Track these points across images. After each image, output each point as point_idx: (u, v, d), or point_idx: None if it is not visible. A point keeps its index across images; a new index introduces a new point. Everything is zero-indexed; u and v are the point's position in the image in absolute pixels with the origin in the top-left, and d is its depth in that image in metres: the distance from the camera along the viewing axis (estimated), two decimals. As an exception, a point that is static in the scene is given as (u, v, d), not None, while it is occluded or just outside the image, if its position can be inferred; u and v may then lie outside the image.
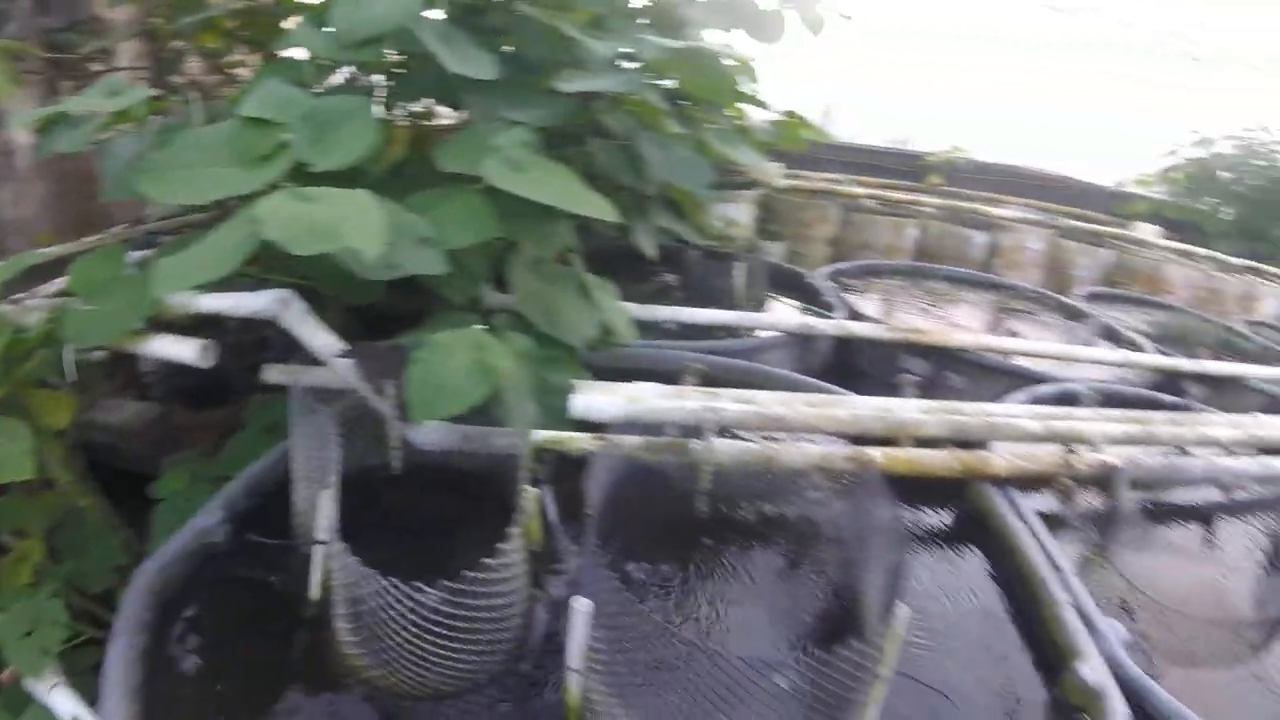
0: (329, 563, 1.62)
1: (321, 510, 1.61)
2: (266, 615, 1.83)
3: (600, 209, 2.14)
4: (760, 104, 3.71)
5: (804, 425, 2.11)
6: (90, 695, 1.67)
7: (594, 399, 2.06)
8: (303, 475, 1.84)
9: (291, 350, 2.36)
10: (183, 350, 2.18)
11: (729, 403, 2.11)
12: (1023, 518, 2.30)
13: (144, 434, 2.98)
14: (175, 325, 2.27)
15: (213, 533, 1.88)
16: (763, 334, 3.29)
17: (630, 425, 2.03)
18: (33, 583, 2.21)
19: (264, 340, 2.82)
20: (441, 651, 1.46)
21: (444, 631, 1.42)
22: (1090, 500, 2.70)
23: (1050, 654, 1.89)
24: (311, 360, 2.14)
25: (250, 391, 2.65)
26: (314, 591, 1.71)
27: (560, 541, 1.93)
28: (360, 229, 1.69)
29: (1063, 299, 5.08)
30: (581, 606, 1.34)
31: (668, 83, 3.37)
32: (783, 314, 3.43)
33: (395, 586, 1.36)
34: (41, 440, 2.19)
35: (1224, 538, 2.75)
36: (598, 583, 1.38)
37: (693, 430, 2.05)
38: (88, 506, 2.43)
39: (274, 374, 2.47)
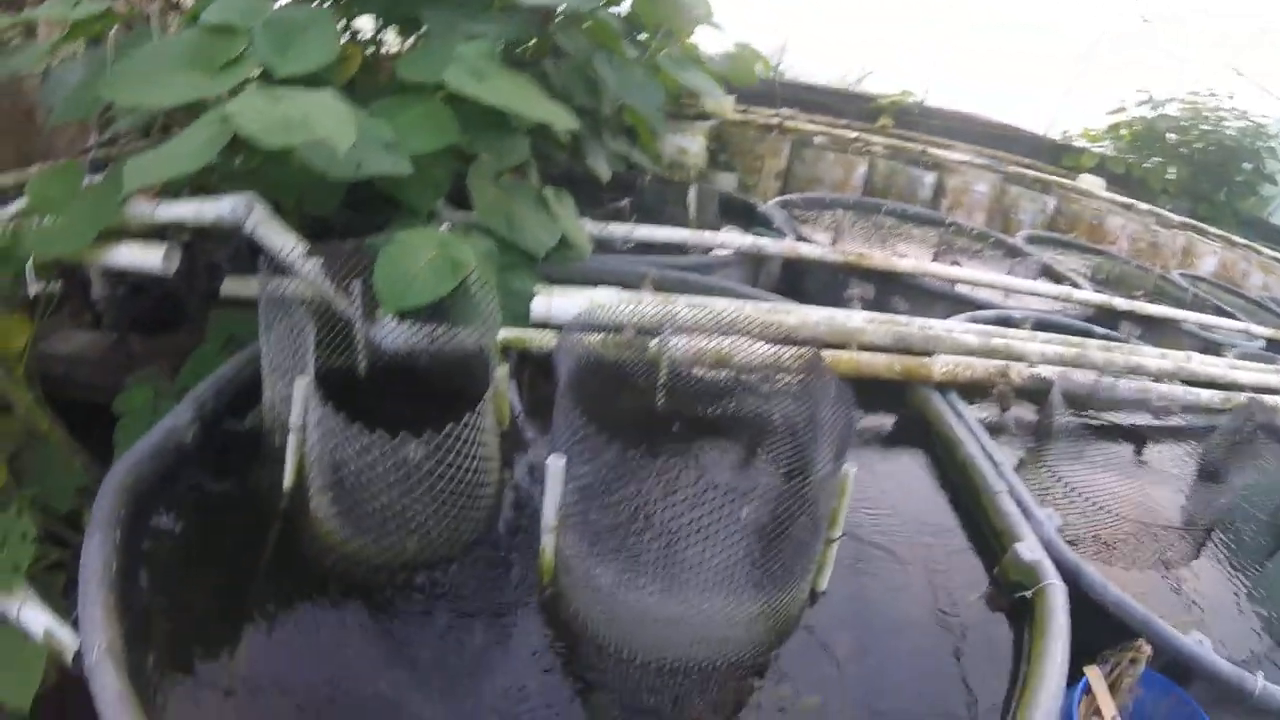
0: (306, 444, 1.67)
1: (298, 396, 1.65)
2: (239, 509, 1.87)
3: (559, 117, 2.19)
4: (716, 27, 3.73)
5: (755, 328, 2.20)
6: (60, 617, 1.69)
7: (554, 301, 2.13)
8: (274, 370, 1.87)
9: (247, 271, 2.37)
10: (147, 257, 2.19)
11: (685, 308, 2.18)
12: (963, 418, 2.43)
13: (99, 362, 2.95)
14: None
15: (182, 432, 1.88)
16: (715, 254, 3.36)
17: (591, 328, 2.09)
18: (-2, 506, 2.20)
19: (216, 266, 2.82)
20: (423, 513, 1.51)
21: (426, 490, 1.48)
22: (1027, 412, 2.85)
23: (990, 539, 2.03)
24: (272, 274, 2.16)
25: (204, 317, 2.65)
26: (288, 480, 1.74)
27: (525, 431, 2.00)
28: (331, 122, 1.72)
29: (1005, 238, 5.23)
30: (555, 464, 1.41)
31: (623, 8, 3.39)
32: (735, 235, 3.50)
33: (380, 440, 1.40)
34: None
35: (1151, 455, 2.94)
36: (569, 433, 1.44)
37: (650, 332, 2.12)
38: (48, 430, 2.42)
39: (234, 286, 2.48)
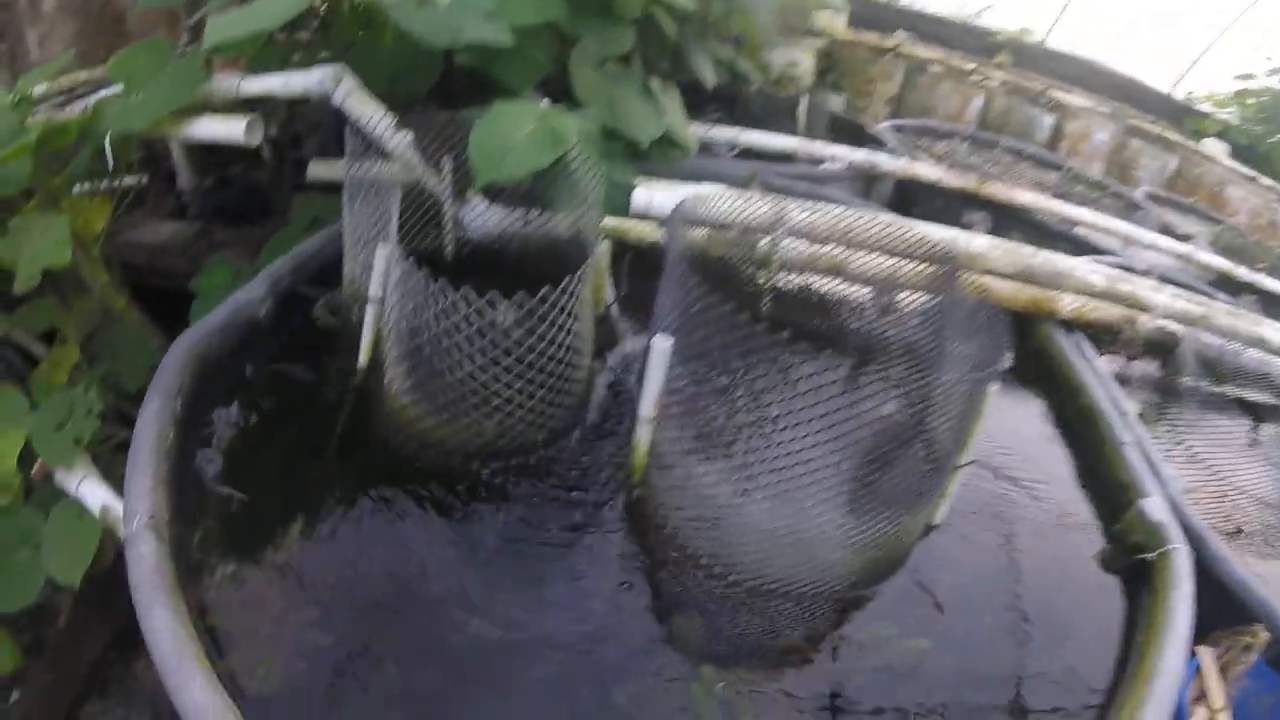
0: (384, 316, 1.55)
1: (378, 265, 1.51)
2: (310, 389, 1.78)
3: (670, -7, 2.01)
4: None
5: (872, 241, 2.01)
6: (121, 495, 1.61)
7: (656, 194, 1.96)
8: (356, 241, 1.74)
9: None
10: (229, 129, 2.09)
11: (795, 210, 2.00)
12: (1090, 362, 2.22)
13: (183, 251, 2.92)
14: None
15: (255, 307, 1.76)
16: (825, 168, 3.15)
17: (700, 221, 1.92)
18: (68, 382, 2.16)
19: (302, 163, 2.75)
20: (506, 391, 1.37)
21: (512, 363, 1.33)
22: (1150, 367, 2.63)
23: (1113, 492, 1.82)
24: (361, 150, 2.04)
25: (288, 210, 2.57)
26: (363, 356, 1.62)
27: (618, 323, 1.85)
28: (431, -33, 1.56)
29: (1124, 191, 4.90)
30: (661, 343, 1.24)
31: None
32: (847, 149, 3.28)
33: (467, 299, 1.25)
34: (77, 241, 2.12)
35: (1266, 434, 2.68)
36: (680, 309, 1.27)
37: (761, 231, 1.95)
38: (123, 309, 2.37)
39: (320, 169, 2.38)
